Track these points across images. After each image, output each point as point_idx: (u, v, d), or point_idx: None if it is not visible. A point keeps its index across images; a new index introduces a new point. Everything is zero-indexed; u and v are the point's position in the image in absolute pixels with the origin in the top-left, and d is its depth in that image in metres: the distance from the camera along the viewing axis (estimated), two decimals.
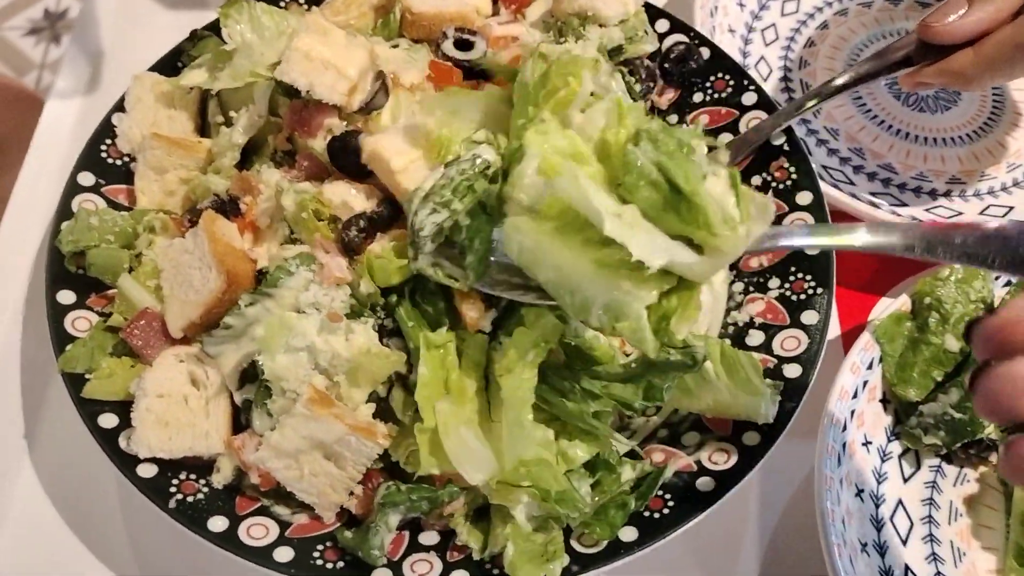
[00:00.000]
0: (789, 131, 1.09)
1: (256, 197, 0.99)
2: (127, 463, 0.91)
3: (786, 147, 1.09)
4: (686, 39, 1.18)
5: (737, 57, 1.17)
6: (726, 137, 1.12)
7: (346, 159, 0.94)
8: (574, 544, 0.88)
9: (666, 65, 1.17)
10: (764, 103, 1.12)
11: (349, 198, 0.93)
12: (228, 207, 0.99)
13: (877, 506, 0.99)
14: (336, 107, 0.99)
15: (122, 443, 0.92)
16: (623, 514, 0.88)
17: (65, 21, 3.30)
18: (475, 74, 1.05)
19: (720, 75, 1.15)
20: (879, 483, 1.00)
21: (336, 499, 0.89)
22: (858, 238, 0.77)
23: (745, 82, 1.14)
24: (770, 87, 1.31)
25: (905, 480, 1.02)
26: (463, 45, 1.06)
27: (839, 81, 1.07)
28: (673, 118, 1.16)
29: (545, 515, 0.88)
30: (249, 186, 1.00)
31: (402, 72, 1.01)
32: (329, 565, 0.87)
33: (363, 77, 0.98)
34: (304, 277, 0.90)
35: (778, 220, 1.05)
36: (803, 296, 1.00)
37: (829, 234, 0.82)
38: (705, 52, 1.17)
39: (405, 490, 0.87)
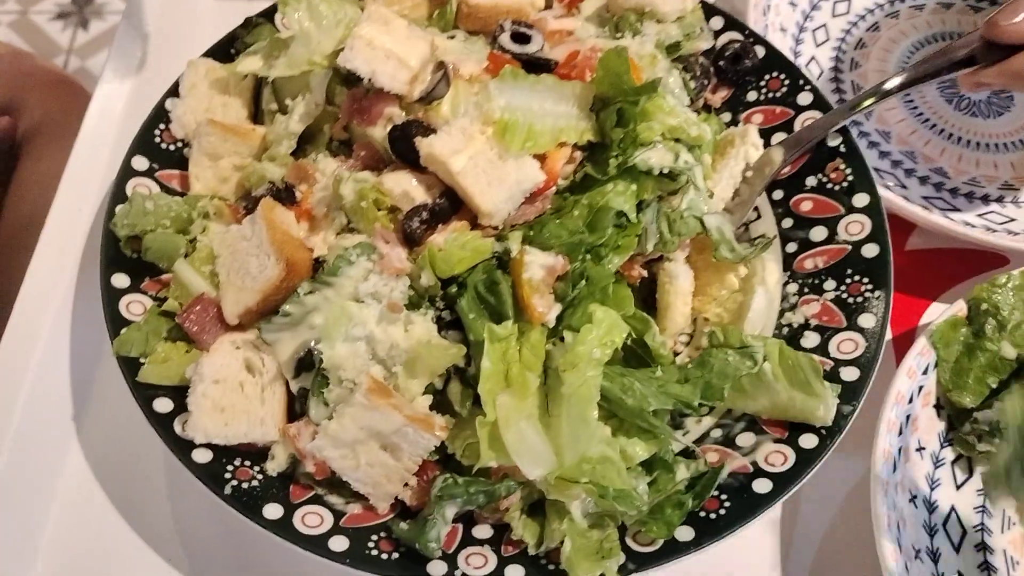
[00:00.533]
0: (845, 132, 1.08)
1: (312, 186, 0.99)
2: (183, 448, 0.90)
3: (842, 148, 1.08)
4: (740, 37, 1.17)
5: (788, 57, 1.16)
6: (779, 136, 1.11)
7: (407, 148, 0.93)
8: (629, 542, 0.88)
9: (720, 63, 1.16)
10: (820, 103, 1.11)
11: (410, 188, 0.93)
12: (284, 195, 0.98)
13: (930, 512, 0.98)
14: (396, 96, 0.98)
15: (177, 428, 0.91)
16: (680, 513, 0.87)
17: (93, 6, 3.30)
18: (533, 68, 1.04)
19: (775, 74, 1.15)
20: (932, 489, 0.99)
21: (391, 490, 0.89)
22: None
23: (800, 82, 1.13)
24: (820, 88, 1.30)
25: (958, 487, 1.01)
26: (520, 38, 1.05)
27: (897, 80, 1.06)
28: (726, 116, 1.16)
29: (601, 512, 0.87)
30: (305, 174, 1.00)
31: (461, 63, 1.01)
32: (384, 556, 0.87)
33: (424, 67, 0.98)
34: (364, 267, 0.90)
35: (834, 222, 1.05)
36: (860, 299, 0.99)
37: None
38: (760, 51, 1.16)
39: (463, 483, 0.86)
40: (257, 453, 0.93)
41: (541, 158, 0.93)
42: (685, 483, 0.91)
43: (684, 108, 1.00)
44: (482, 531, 0.91)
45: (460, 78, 0.99)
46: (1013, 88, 1.06)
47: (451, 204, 0.92)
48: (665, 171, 0.95)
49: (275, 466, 0.92)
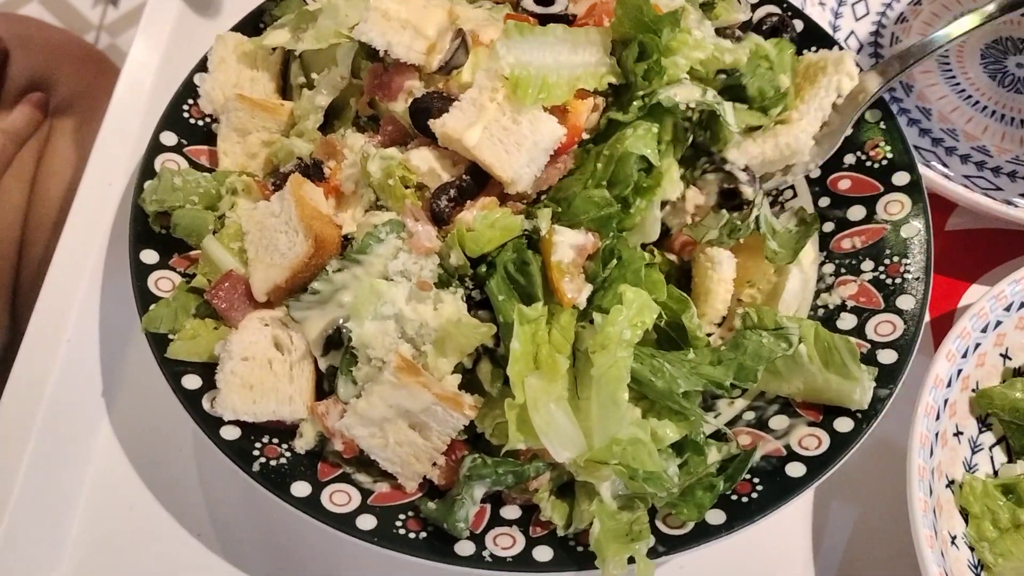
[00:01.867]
0: (885, 108, 1.05)
1: (340, 162, 0.98)
2: (211, 425, 0.90)
3: (882, 125, 1.05)
4: (778, 10, 1.14)
5: (827, 31, 1.13)
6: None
7: (428, 122, 0.92)
8: (659, 525, 0.87)
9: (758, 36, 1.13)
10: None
11: (436, 166, 0.91)
12: (312, 171, 0.97)
13: None
14: (415, 68, 0.97)
15: (205, 405, 0.91)
16: (711, 496, 0.86)
17: None
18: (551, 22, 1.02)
19: (814, 48, 1.12)
20: (970, 474, 0.97)
21: (420, 469, 0.88)
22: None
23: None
24: (860, 62, 1.27)
25: (996, 473, 0.99)
26: (544, 1, 1.03)
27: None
28: None
29: (631, 494, 0.86)
30: (333, 150, 0.99)
31: (481, 30, 0.98)
32: (412, 535, 0.87)
33: (442, 36, 0.96)
34: (394, 244, 0.89)
35: (873, 201, 1.02)
36: (899, 280, 0.97)
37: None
38: (799, 24, 1.13)
39: (492, 463, 0.86)
40: (285, 431, 0.93)
41: (561, 113, 0.91)
42: (716, 466, 0.90)
43: (714, 37, 0.97)
44: (510, 512, 0.90)
45: (480, 44, 0.97)
46: None
47: (476, 179, 0.91)
48: (693, 105, 0.92)
49: (303, 444, 0.92)
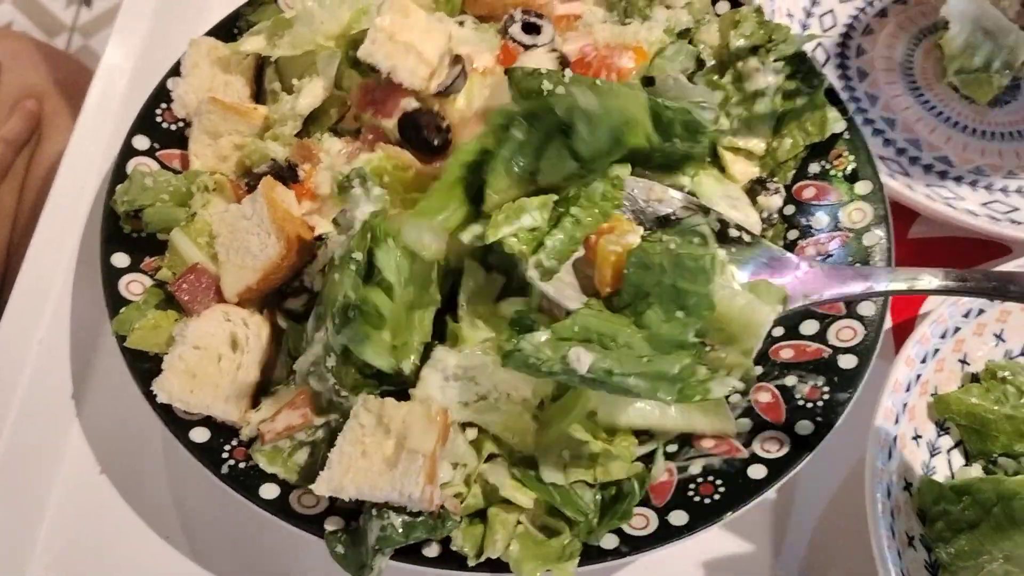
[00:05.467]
0: (851, 120, 1.07)
1: (315, 165, 0.99)
2: (181, 428, 0.91)
3: (846, 135, 1.07)
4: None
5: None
6: None
7: (418, 137, 0.93)
8: (623, 526, 0.88)
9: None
10: (832, 95, 1.09)
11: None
12: (287, 173, 0.98)
13: None
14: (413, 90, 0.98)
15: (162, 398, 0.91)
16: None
17: None
18: None
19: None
20: (928, 477, 0.99)
21: None
22: (927, 282, 0.84)
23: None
24: (826, 74, 1.29)
25: (952, 475, 1.01)
26: (531, 29, 1.05)
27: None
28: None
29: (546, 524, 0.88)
30: (309, 154, 0.99)
31: (476, 55, 1.00)
32: None
33: (441, 61, 0.98)
34: None
35: (836, 209, 1.04)
36: None
37: (867, 279, 0.88)
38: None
39: (403, 530, 0.83)
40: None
41: None
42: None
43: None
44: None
45: (475, 72, 0.99)
46: None
47: None
48: None
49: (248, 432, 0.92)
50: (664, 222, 0.90)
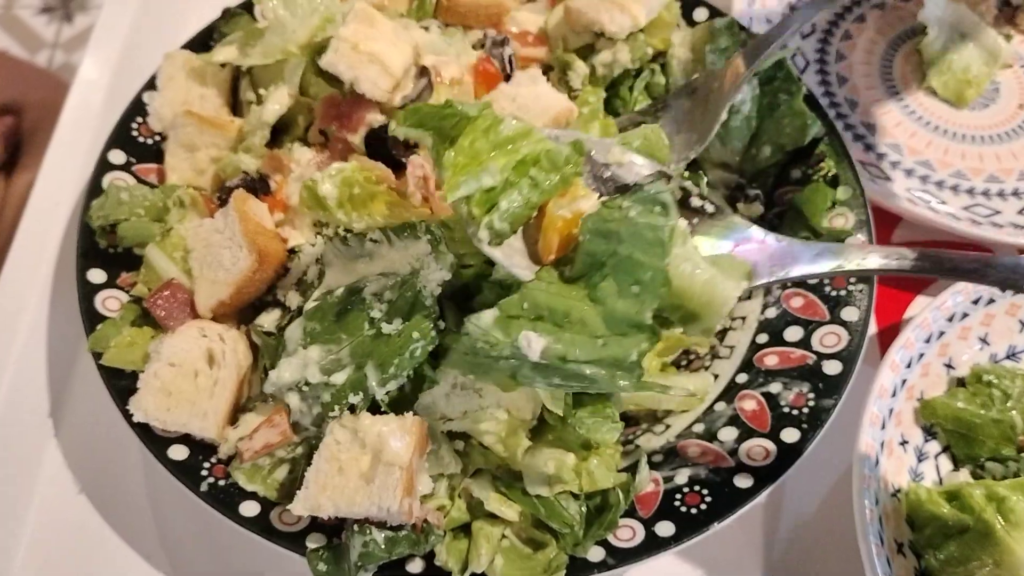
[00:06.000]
0: (830, 125, 1.07)
1: (287, 176, 0.98)
2: (159, 446, 0.89)
3: (826, 140, 1.07)
4: None
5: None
6: None
7: (385, 153, 0.92)
8: (609, 538, 0.87)
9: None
10: (809, 99, 1.09)
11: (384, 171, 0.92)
12: (258, 185, 0.97)
13: None
14: (377, 102, 0.97)
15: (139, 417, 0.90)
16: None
17: (77, 0, 3.27)
18: None
19: None
20: (915, 483, 0.98)
21: None
22: (871, 261, 0.79)
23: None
24: (806, 80, 1.29)
25: (941, 481, 1.01)
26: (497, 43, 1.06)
27: None
28: None
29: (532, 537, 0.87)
30: (280, 164, 0.98)
31: (443, 66, 1.00)
32: None
33: (407, 73, 0.97)
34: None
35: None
36: (843, 292, 0.98)
37: (837, 256, 0.81)
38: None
39: (386, 545, 0.81)
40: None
41: None
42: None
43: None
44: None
45: (441, 83, 0.99)
46: None
47: None
48: None
49: (226, 449, 0.90)
50: (625, 190, 0.81)
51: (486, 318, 0.73)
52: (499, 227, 0.77)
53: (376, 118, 0.97)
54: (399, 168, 0.94)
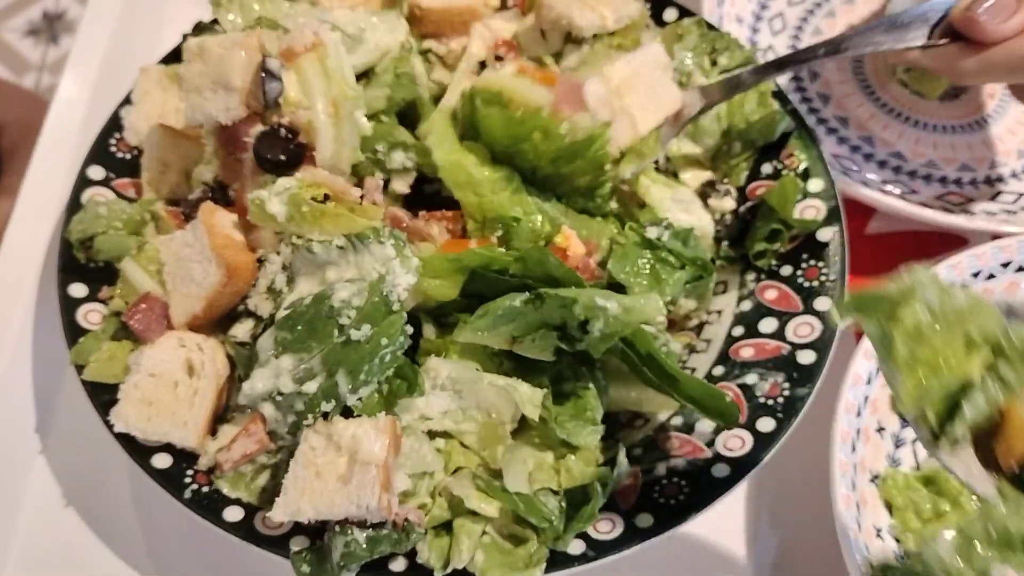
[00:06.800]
0: (799, 119, 1.08)
1: (244, 183, 0.96)
2: (142, 455, 0.90)
3: (797, 135, 1.08)
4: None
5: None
6: None
7: (270, 161, 0.91)
8: (588, 530, 0.88)
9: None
10: (780, 96, 1.11)
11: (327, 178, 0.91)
12: (218, 195, 0.97)
13: None
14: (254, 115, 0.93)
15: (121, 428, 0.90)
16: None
17: (63, 22, 3.29)
18: None
19: None
20: (893, 468, 1.00)
21: None
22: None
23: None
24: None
25: (919, 466, 1.02)
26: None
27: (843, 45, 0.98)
28: None
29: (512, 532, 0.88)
30: (234, 173, 0.96)
31: (292, 40, 0.92)
32: None
33: (249, 75, 0.90)
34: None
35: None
36: (816, 283, 0.99)
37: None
38: None
39: (367, 544, 0.81)
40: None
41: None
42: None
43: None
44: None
45: (295, 56, 0.92)
46: (944, 75, 1.01)
47: None
48: None
49: (205, 462, 0.91)
50: None
51: (943, 544, 0.62)
52: (959, 434, 0.66)
53: (259, 129, 0.93)
54: (290, 166, 0.91)
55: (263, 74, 0.90)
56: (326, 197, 0.86)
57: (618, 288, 0.96)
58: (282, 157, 0.91)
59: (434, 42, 1.11)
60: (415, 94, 1.02)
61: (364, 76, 1.03)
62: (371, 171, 1.01)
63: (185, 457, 0.91)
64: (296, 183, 0.87)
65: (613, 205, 1.04)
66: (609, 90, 1.00)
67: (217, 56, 0.90)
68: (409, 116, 1.06)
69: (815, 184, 1.05)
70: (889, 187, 1.20)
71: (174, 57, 1.15)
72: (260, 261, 0.93)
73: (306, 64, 0.92)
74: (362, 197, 0.88)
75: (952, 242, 1.19)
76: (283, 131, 0.91)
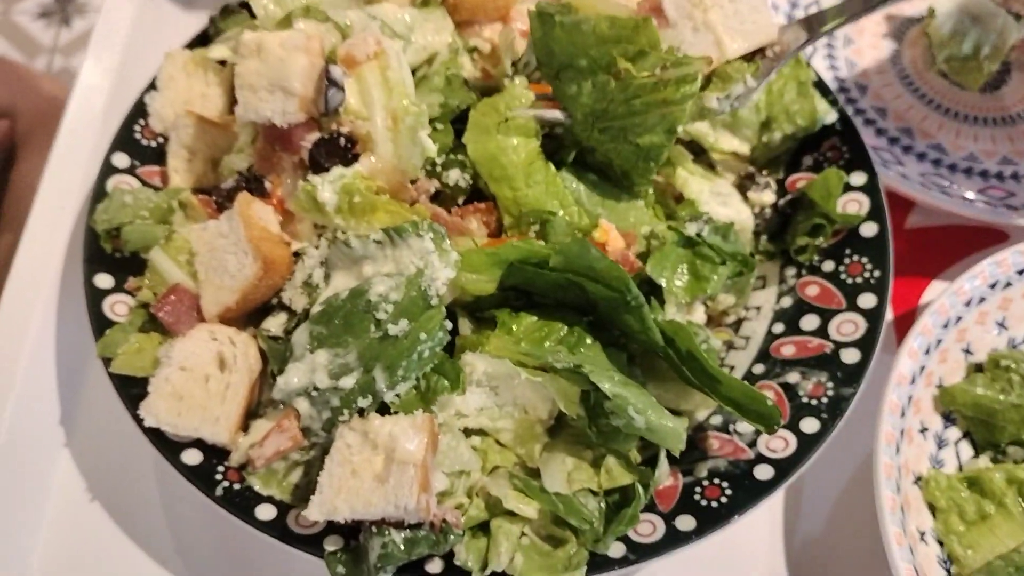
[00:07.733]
0: (842, 111, 1.06)
1: (281, 175, 0.95)
2: (172, 450, 0.88)
3: (838, 127, 1.06)
4: None
5: None
6: None
7: (332, 162, 0.89)
8: (630, 533, 0.86)
9: None
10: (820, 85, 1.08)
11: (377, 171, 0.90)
12: (253, 186, 0.95)
13: None
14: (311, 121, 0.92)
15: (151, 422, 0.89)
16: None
17: (75, 4, 3.26)
18: None
19: None
20: (936, 470, 0.97)
21: None
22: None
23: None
24: (815, 66, 1.27)
25: (961, 467, 1.00)
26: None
27: None
28: None
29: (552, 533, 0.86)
30: (271, 163, 0.94)
31: (354, 47, 0.91)
32: None
33: (310, 81, 0.88)
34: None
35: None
36: (860, 279, 0.97)
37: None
38: None
39: (405, 546, 0.80)
40: None
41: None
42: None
43: None
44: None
45: (357, 65, 0.91)
46: None
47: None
48: None
49: (237, 458, 0.89)
50: None
51: None
52: None
53: (314, 137, 0.91)
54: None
55: (326, 82, 0.88)
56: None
57: (655, 288, 0.93)
58: (340, 166, 0.89)
59: (476, 38, 1.07)
60: (470, 100, 0.97)
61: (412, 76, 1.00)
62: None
63: (216, 453, 0.90)
64: (352, 173, 0.85)
65: (657, 180, 1.00)
66: (692, 1, 0.93)
67: (277, 57, 0.87)
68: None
69: (857, 177, 1.03)
70: (929, 180, 1.17)
71: (200, 41, 1.12)
72: (296, 255, 0.90)
73: (367, 73, 0.90)
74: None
75: (993, 237, 1.17)
76: (343, 140, 0.89)
